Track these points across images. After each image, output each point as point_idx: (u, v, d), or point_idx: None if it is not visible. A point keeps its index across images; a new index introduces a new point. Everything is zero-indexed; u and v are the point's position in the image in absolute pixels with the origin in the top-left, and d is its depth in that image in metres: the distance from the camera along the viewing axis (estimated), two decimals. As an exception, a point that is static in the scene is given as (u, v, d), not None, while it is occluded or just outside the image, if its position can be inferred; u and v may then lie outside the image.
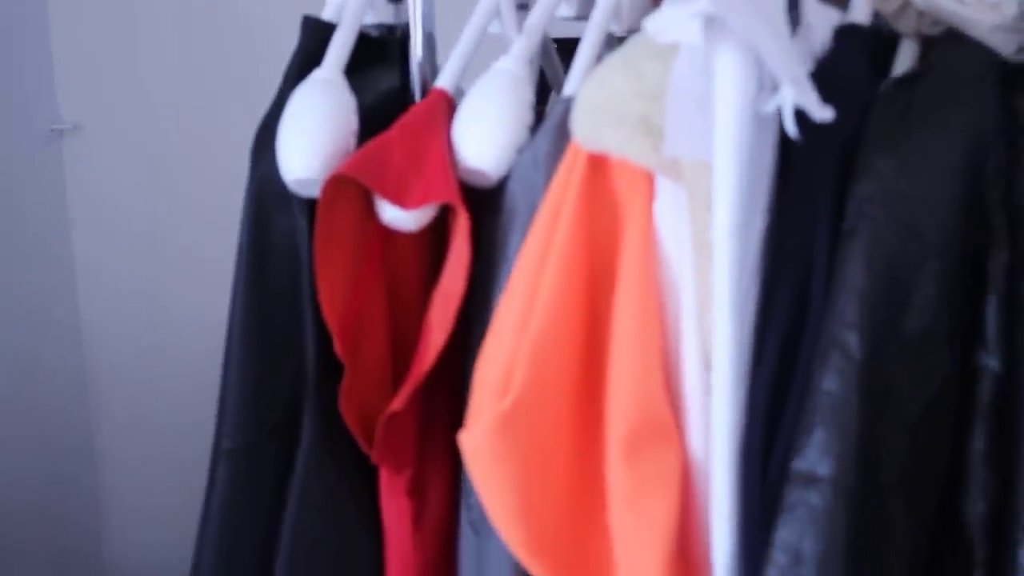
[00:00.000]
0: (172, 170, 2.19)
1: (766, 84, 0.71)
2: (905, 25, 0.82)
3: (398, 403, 0.85)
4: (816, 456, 0.70)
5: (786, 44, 0.72)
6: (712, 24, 0.68)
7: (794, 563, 0.70)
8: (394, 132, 0.87)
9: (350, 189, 0.86)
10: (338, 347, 0.86)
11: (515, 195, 0.85)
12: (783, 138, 0.75)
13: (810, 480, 0.70)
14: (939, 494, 0.73)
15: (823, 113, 0.70)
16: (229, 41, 2.10)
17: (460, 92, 0.93)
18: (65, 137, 2.23)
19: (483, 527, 0.85)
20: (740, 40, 0.69)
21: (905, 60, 0.82)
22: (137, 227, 2.24)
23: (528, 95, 0.87)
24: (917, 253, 0.71)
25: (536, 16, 0.92)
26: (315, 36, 0.94)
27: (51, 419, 2.20)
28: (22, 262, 2.13)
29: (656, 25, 0.71)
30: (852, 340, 0.70)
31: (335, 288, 0.87)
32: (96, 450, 2.33)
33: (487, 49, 0.95)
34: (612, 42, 0.93)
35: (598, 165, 0.80)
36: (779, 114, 0.71)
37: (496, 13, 0.93)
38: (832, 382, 0.70)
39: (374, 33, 1.02)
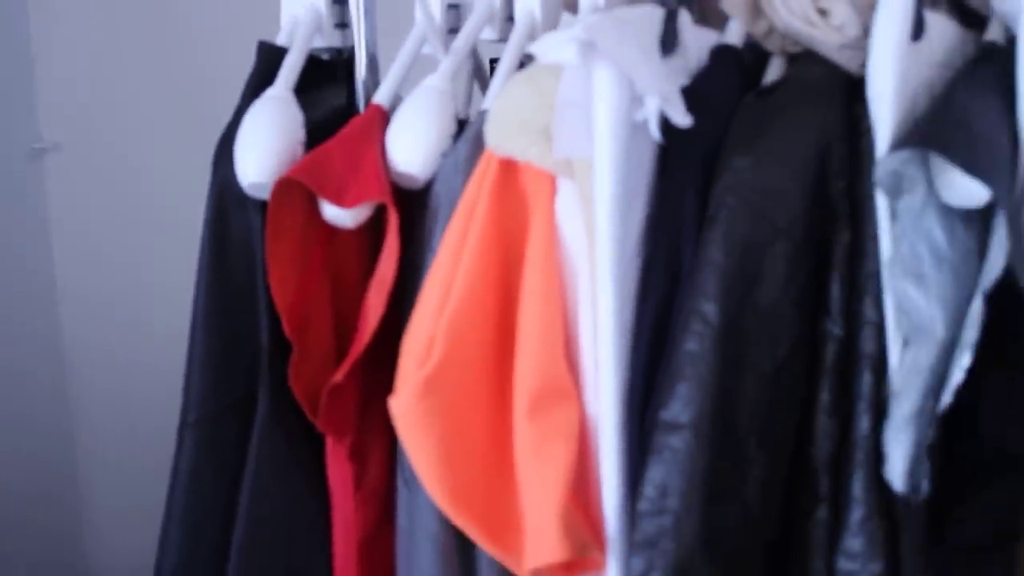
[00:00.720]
0: (150, 187, 2.37)
1: (640, 96, 0.90)
2: (772, 45, 1.00)
3: (339, 376, 1.03)
4: (679, 407, 0.87)
5: (654, 63, 0.90)
6: (585, 48, 0.87)
7: (661, 496, 0.87)
8: (335, 142, 1.05)
9: (297, 191, 1.04)
10: (287, 328, 1.04)
11: (439, 195, 1.03)
12: (670, 142, 0.93)
13: (673, 427, 0.87)
14: (792, 439, 0.91)
15: (684, 120, 0.88)
16: (200, 63, 2.28)
17: (399, 100, 1.11)
18: (46, 156, 2.41)
19: (413, 483, 1.02)
20: (611, 61, 0.87)
21: (773, 74, 1.00)
22: (117, 244, 2.41)
23: (451, 107, 1.05)
24: (768, 236, 0.89)
25: (461, 39, 1.10)
26: (269, 59, 1.13)
27: (32, 434, 2.36)
28: (3, 280, 2.31)
29: (540, 48, 0.90)
30: (710, 309, 0.88)
31: (285, 278, 1.05)
32: (77, 462, 2.50)
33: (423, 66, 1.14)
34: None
35: (508, 168, 0.98)
36: (659, 119, 0.90)
37: (425, 39, 1.12)
38: (693, 344, 0.88)
39: (325, 56, 1.21)
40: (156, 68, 2.31)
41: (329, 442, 1.09)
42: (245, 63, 1.14)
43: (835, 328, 0.91)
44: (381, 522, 1.10)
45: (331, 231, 1.06)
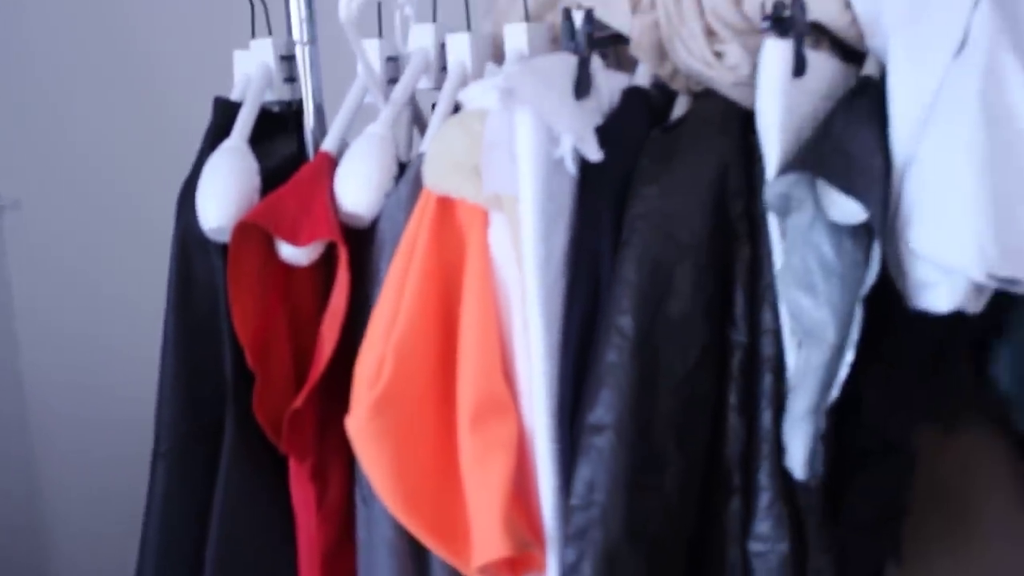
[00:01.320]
0: (110, 241, 2.49)
1: (556, 135, 1.05)
2: (678, 85, 1.16)
3: (298, 401, 1.17)
4: (603, 411, 1.02)
5: (569, 106, 1.06)
6: (506, 95, 1.02)
7: (589, 492, 1.01)
8: (287, 186, 1.20)
9: (254, 234, 1.17)
10: (250, 360, 1.18)
11: (384, 231, 1.18)
12: (586, 175, 1.09)
13: (598, 429, 1.02)
14: (705, 437, 1.05)
15: (596, 156, 1.04)
16: (158, 119, 2.41)
17: (345, 147, 1.25)
18: (4, 213, 2.54)
19: (370, 499, 1.16)
20: (529, 105, 1.03)
21: (679, 111, 1.15)
22: (79, 300, 2.53)
23: (392, 151, 1.20)
24: (675, 255, 1.04)
25: (399, 89, 1.25)
26: (224, 113, 1.28)
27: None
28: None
29: (467, 96, 1.05)
30: (626, 323, 1.02)
31: (246, 313, 1.18)
32: (41, 491, 2.58)
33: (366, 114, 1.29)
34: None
35: (445, 204, 1.13)
36: (575, 155, 1.05)
37: (367, 90, 1.27)
38: (612, 355, 1.02)
39: (276, 109, 1.36)
40: (113, 124, 2.45)
41: (292, 465, 1.22)
42: (202, 118, 1.29)
43: (740, 336, 1.06)
44: (342, 539, 1.23)
45: (287, 269, 1.20)
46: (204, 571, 1.24)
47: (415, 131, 1.37)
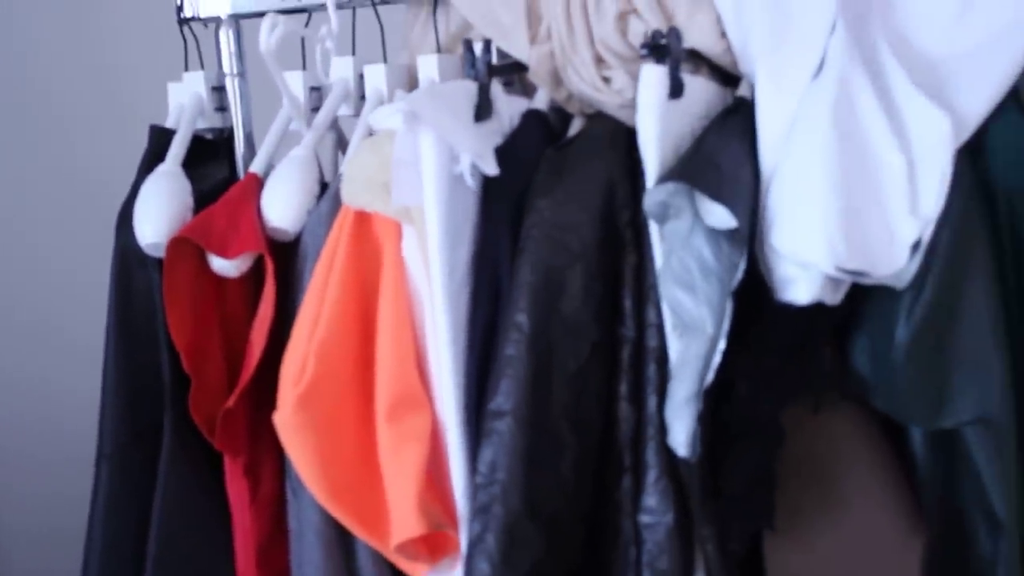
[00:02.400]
0: (58, 253, 2.56)
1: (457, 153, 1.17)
2: (573, 108, 1.28)
3: (230, 402, 1.27)
4: (502, 399, 1.12)
5: (468, 127, 1.17)
6: (410, 117, 1.14)
7: (491, 471, 1.12)
8: (218, 205, 1.30)
9: (188, 248, 1.28)
10: (186, 364, 1.28)
11: (307, 244, 1.29)
12: (486, 190, 1.20)
13: (498, 414, 1.12)
14: (599, 422, 1.17)
15: (492, 171, 1.15)
16: (93, 152, 2.52)
17: (271, 169, 1.36)
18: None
19: (299, 490, 1.26)
20: (431, 126, 1.14)
21: (574, 131, 1.27)
22: (24, 305, 2.60)
23: (314, 172, 1.32)
24: (567, 260, 1.15)
25: (321, 116, 1.37)
26: (159, 140, 1.39)
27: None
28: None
29: (375, 119, 1.17)
30: (522, 320, 1.13)
31: (181, 322, 1.29)
32: None
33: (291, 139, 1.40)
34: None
35: (361, 218, 1.24)
36: (475, 170, 1.17)
37: (291, 118, 1.39)
38: (511, 349, 1.13)
39: (209, 136, 1.47)
40: (75, 149, 2.55)
41: (227, 461, 1.32)
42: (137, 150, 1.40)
43: (628, 332, 1.17)
44: (275, 531, 1.33)
45: (219, 280, 1.31)
46: (146, 563, 1.34)
47: (339, 154, 1.49)
